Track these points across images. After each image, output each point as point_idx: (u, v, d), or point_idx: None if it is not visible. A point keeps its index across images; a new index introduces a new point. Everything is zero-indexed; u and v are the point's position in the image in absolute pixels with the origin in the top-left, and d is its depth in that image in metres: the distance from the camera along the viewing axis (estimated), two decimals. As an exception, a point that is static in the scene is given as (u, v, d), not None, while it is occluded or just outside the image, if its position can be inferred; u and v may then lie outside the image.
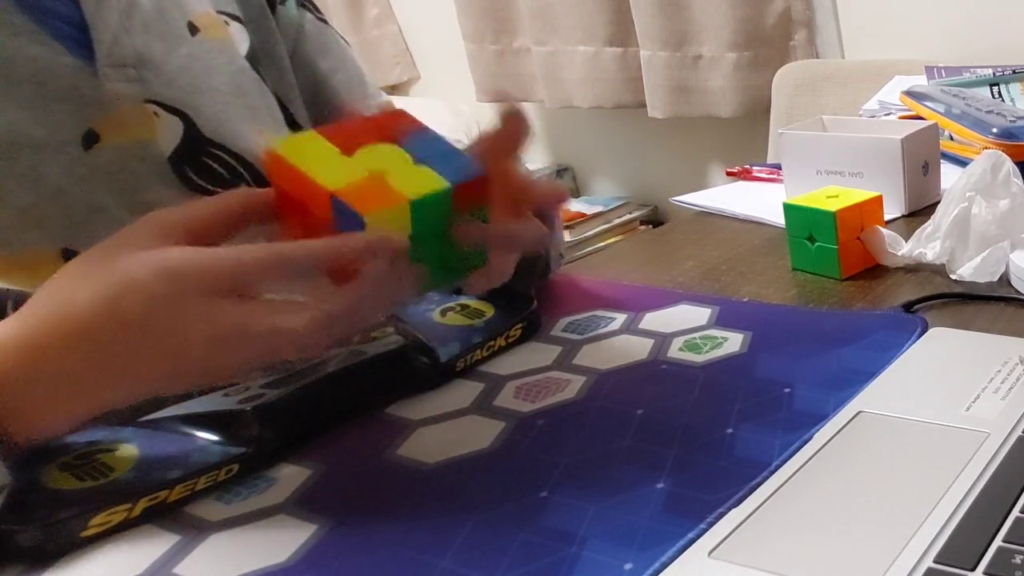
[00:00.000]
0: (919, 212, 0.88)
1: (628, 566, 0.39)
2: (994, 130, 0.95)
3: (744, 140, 1.92)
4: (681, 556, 0.39)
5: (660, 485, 0.44)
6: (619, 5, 1.89)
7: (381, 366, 0.55)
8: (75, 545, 0.42)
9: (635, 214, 2.11)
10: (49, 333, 0.41)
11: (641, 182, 2.18)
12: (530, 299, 0.64)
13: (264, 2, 0.66)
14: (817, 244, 0.72)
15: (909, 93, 1.10)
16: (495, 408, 0.53)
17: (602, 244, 1.98)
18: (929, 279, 0.70)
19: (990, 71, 1.19)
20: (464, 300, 0.65)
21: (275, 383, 0.53)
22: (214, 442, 0.49)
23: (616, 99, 1.98)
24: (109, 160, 0.54)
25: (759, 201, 0.93)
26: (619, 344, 0.61)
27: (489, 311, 0.63)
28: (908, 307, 0.64)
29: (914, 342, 0.57)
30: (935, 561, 0.37)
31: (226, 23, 0.63)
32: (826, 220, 0.70)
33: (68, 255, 0.52)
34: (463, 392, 0.56)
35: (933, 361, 0.55)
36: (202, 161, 0.58)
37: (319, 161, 0.44)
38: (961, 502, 0.40)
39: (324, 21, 0.71)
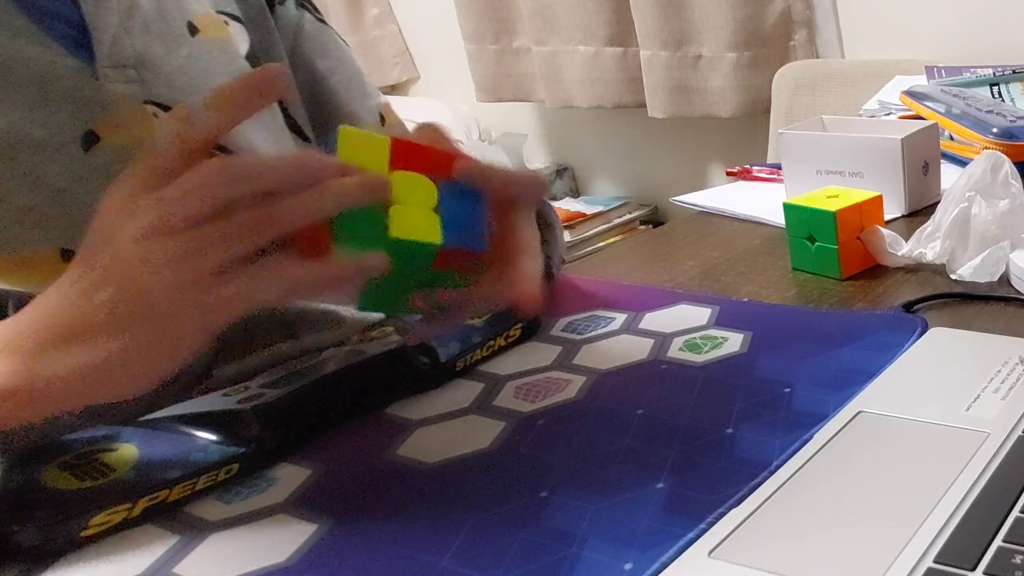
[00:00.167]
0: (919, 212, 0.88)
1: (628, 566, 0.39)
2: (994, 130, 0.95)
3: (744, 140, 1.92)
4: (681, 556, 0.39)
5: (660, 485, 0.44)
6: (619, 5, 1.89)
7: (381, 366, 0.55)
8: (75, 545, 0.42)
9: (635, 214, 2.12)
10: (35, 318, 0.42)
11: (641, 182, 2.19)
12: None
13: (263, 2, 0.66)
14: (817, 244, 0.72)
15: (909, 93, 1.10)
16: (495, 408, 0.53)
17: (602, 244, 1.98)
18: (929, 279, 0.70)
19: (990, 71, 1.19)
20: None
21: (275, 383, 0.53)
22: (214, 442, 0.49)
23: (616, 99, 1.98)
24: (109, 161, 0.53)
25: (759, 201, 0.93)
26: (619, 344, 0.61)
27: None
28: (908, 307, 0.64)
29: (914, 342, 0.57)
30: (935, 561, 0.37)
31: (226, 23, 0.63)
32: (826, 220, 0.70)
33: (68, 256, 0.52)
34: (463, 392, 0.56)
35: (933, 361, 0.55)
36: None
37: (359, 160, 0.44)
38: (961, 502, 0.40)
39: (323, 21, 0.71)
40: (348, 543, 0.42)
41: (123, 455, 0.48)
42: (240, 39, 0.64)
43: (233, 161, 0.42)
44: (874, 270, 0.72)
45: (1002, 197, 0.69)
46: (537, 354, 0.60)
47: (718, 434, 0.48)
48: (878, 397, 0.50)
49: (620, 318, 0.65)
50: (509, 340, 0.61)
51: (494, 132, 2.34)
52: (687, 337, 0.61)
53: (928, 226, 0.71)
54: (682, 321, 0.64)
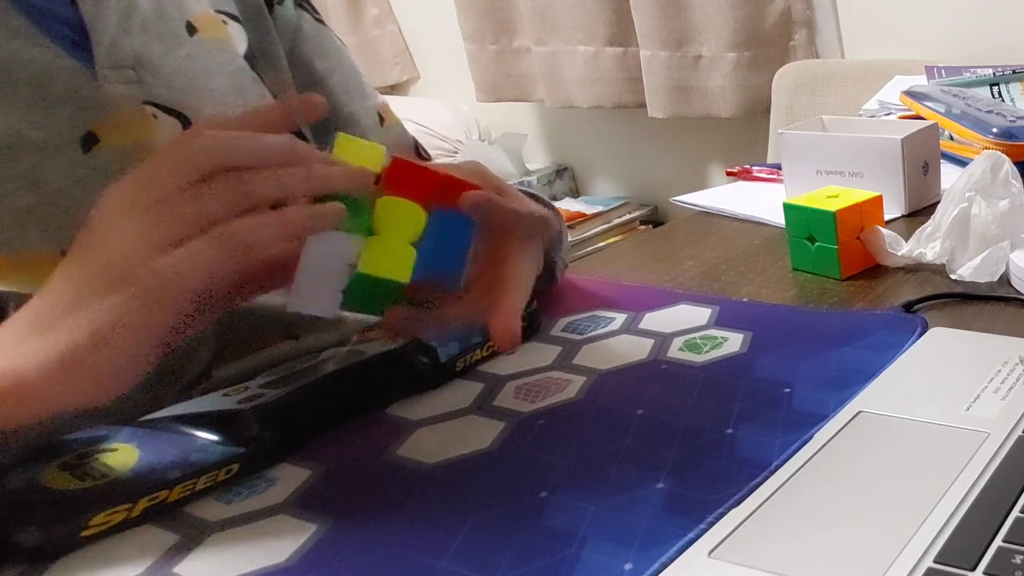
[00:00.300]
0: (919, 212, 0.88)
1: (628, 566, 0.39)
2: (994, 130, 0.95)
3: (744, 140, 1.93)
4: (681, 556, 0.39)
5: (660, 485, 0.44)
6: (619, 5, 1.89)
7: (381, 366, 0.55)
8: (75, 545, 0.42)
9: (635, 214, 2.12)
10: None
11: (641, 182, 2.19)
12: (530, 299, 0.64)
13: (262, 2, 0.66)
14: (817, 244, 0.72)
15: (909, 93, 1.10)
16: (495, 408, 0.53)
17: (602, 244, 1.98)
18: (929, 279, 0.70)
19: (990, 71, 1.19)
20: None
21: (275, 383, 0.53)
22: (214, 442, 0.49)
23: (616, 99, 1.98)
24: (108, 161, 0.53)
25: (759, 201, 0.93)
26: (619, 344, 0.61)
27: None
28: (908, 307, 0.64)
29: (914, 342, 0.57)
30: (935, 561, 0.37)
31: (224, 22, 0.63)
32: (826, 220, 0.70)
33: (68, 256, 0.52)
34: (463, 392, 0.56)
35: (933, 361, 0.55)
36: None
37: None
38: (961, 502, 0.40)
39: (321, 22, 0.71)
40: (348, 543, 0.42)
41: (123, 455, 0.48)
42: (239, 38, 0.64)
43: (224, 137, 0.42)
44: (874, 270, 0.72)
45: (1002, 197, 0.69)
46: (537, 354, 0.60)
47: (718, 434, 0.48)
48: (878, 397, 0.50)
49: (620, 318, 0.65)
50: (509, 340, 0.61)
51: (494, 132, 2.34)
52: (687, 337, 0.61)
53: (928, 226, 0.71)
54: (682, 321, 0.64)
